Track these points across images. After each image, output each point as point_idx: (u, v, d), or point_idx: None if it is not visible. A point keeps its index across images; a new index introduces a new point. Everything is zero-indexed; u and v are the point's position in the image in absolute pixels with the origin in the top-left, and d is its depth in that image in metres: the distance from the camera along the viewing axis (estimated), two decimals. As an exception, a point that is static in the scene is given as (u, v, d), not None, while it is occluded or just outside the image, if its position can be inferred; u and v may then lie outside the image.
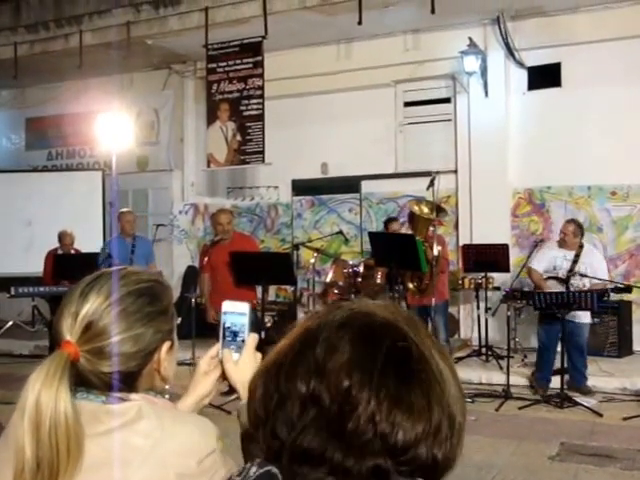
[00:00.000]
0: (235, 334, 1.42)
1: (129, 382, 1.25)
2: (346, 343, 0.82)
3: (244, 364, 1.40)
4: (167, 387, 1.35)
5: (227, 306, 1.43)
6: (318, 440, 0.79)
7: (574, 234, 6.57)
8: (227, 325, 1.42)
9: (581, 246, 6.59)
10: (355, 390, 0.79)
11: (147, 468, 1.15)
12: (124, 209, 8.32)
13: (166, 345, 1.30)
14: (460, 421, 0.84)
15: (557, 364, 6.62)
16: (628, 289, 6.66)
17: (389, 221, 8.33)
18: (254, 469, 0.85)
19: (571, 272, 6.48)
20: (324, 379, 0.80)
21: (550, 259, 6.63)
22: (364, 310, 0.87)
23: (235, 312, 1.42)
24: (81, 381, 1.19)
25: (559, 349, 6.35)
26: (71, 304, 1.22)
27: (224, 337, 1.42)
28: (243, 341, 1.41)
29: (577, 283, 6.45)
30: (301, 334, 0.87)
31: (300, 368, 0.82)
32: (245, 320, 1.42)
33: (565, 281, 6.47)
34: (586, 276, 6.41)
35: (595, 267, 6.51)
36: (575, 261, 6.51)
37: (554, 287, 6.44)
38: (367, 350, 0.82)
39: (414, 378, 0.81)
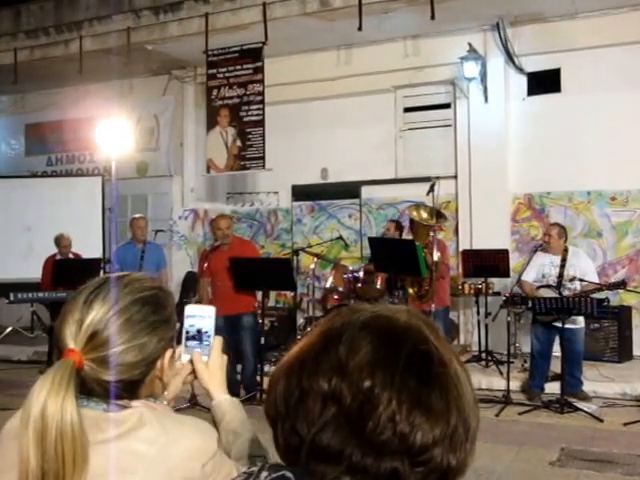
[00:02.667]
0: (202, 336, 1.42)
1: (132, 390, 1.24)
2: (368, 343, 0.83)
3: (213, 365, 1.42)
4: (166, 393, 1.35)
5: (191, 310, 1.43)
6: (337, 438, 0.80)
7: (559, 235, 6.62)
8: (197, 327, 1.42)
9: (566, 250, 6.62)
10: (377, 390, 0.80)
11: (152, 475, 1.15)
12: (136, 215, 8.32)
13: (169, 352, 1.30)
14: (474, 427, 0.85)
15: (555, 370, 6.62)
16: (623, 283, 6.59)
17: (391, 222, 8.37)
18: (265, 474, 0.85)
19: (560, 277, 6.48)
20: (346, 377, 0.81)
21: (538, 267, 6.63)
22: (386, 313, 0.89)
23: (200, 315, 1.43)
24: (82, 389, 1.18)
25: (558, 354, 6.33)
26: (75, 311, 1.21)
27: (188, 339, 1.42)
28: (208, 344, 1.42)
29: (569, 285, 6.45)
30: (324, 332, 0.88)
31: (323, 365, 0.83)
32: (211, 323, 1.43)
33: (557, 287, 6.45)
34: (579, 280, 6.41)
35: (583, 268, 6.51)
36: (562, 265, 6.52)
37: (548, 295, 6.42)
38: (389, 351, 0.83)
39: (434, 381, 0.82)
